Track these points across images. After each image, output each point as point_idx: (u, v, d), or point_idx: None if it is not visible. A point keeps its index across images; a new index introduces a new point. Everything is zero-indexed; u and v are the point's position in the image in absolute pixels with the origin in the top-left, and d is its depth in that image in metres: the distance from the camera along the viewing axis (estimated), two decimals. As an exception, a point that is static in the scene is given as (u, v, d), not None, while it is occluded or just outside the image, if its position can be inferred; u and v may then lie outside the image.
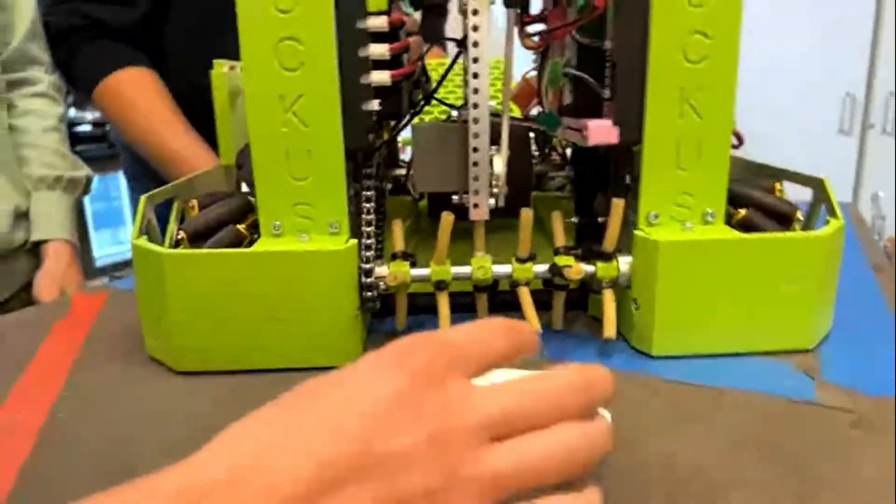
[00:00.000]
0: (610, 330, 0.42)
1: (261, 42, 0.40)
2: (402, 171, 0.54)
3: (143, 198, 0.45)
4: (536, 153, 0.57)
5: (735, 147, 0.56)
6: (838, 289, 0.45)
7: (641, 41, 0.41)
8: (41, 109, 0.80)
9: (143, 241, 0.42)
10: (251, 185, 0.53)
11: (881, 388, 0.38)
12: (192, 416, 0.38)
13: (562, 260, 0.44)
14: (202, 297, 0.40)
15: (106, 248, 2.91)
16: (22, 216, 0.76)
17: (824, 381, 0.39)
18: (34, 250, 0.77)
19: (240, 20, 0.40)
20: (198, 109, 0.85)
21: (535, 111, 0.58)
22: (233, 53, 0.59)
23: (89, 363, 0.45)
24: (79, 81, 0.86)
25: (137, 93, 0.82)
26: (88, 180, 0.83)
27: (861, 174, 2.38)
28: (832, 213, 0.44)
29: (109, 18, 0.80)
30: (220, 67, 0.58)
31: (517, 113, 0.58)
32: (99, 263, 3.05)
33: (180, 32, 0.85)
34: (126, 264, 2.50)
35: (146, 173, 0.87)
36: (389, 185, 0.53)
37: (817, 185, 0.46)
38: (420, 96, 0.52)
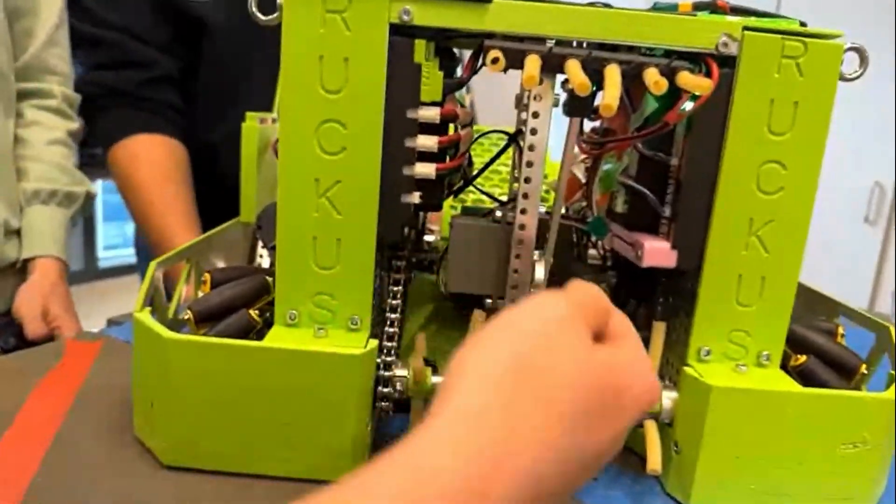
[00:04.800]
0: (655, 462, 0.38)
1: (303, 121, 0.36)
2: (428, 255, 0.51)
3: (152, 263, 0.42)
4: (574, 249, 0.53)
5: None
6: None
7: (713, 164, 0.37)
8: (48, 122, 0.77)
9: (147, 317, 0.39)
10: (269, 247, 0.49)
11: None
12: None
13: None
14: (202, 389, 0.37)
15: (112, 241, 2.88)
16: (13, 233, 0.72)
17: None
18: (24, 268, 0.74)
19: (282, 96, 0.37)
20: (205, 165, 0.83)
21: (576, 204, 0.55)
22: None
23: (72, 437, 0.41)
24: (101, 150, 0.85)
25: (132, 167, 0.79)
26: (89, 197, 0.79)
27: (883, 265, 2.34)
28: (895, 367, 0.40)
29: (115, 83, 0.78)
30: (252, 120, 0.56)
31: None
32: (102, 265, 3.03)
33: (203, 89, 0.83)
34: (131, 269, 2.48)
35: None
36: (413, 273, 0.49)
37: (883, 332, 0.43)
38: (459, 181, 0.48)
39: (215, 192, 0.75)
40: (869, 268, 2.34)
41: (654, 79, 0.33)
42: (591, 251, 0.54)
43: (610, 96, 0.32)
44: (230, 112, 0.65)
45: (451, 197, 0.52)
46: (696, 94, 0.35)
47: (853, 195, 2.33)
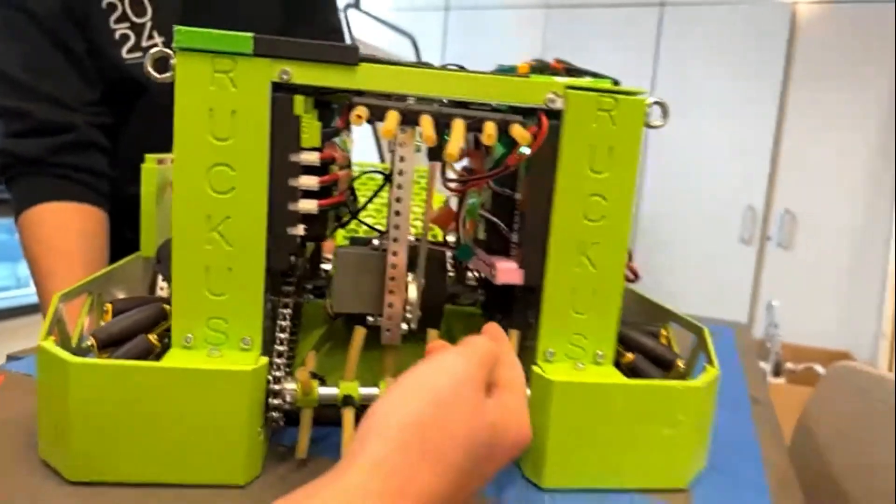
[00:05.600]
0: None
1: (195, 165, 0.42)
2: (323, 281, 0.56)
3: (56, 295, 0.45)
4: (452, 272, 0.60)
5: (631, 281, 0.61)
6: (718, 419, 0.49)
7: (547, 198, 0.45)
8: None
9: (51, 345, 0.42)
10: (168, 280, 0.53)
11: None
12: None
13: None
14: (105, 408, 0.40)
15: (2, 283, 2.73)
16: None
17: (691, 521, 0.43)
18: None
19: (176, 142, 0.41)
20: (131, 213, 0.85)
21: (452, 236, 0.62)
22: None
23: (-25, 463, 0.43)
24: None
25: (31, 236, 0.79)
26: None
27: (758, 283, 2.56)
28: (709, 361, 0.49)
29: (25, 151, 0.79)
30: (151, 162, 0.60)
31: (439, 236, 0.62)
32: (-8, 307, 2.85)
33: (136, 143, 0.85)
34: (23, 310, 2.36)
35: None
36: (310, 297, 0.55)
37: (699, 332, 0.51)
38: (346, 216, 0.54)
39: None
40: (747, 283, 2.56)
41: (489, 131, 0.41)
42: (470, 273, 0.61)
43: (453, 146, 0.39)
44: None
45: (342, 229, 0.57)
46: (527, 142, 0.43)
47: (728, 218, 2.56)
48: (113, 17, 0.80)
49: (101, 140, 0.83)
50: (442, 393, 0.32)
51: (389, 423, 0.30)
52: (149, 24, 0.81)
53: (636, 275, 0.61)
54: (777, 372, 2.15)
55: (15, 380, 0.56)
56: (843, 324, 2.41)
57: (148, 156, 0.60)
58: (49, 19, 0.77)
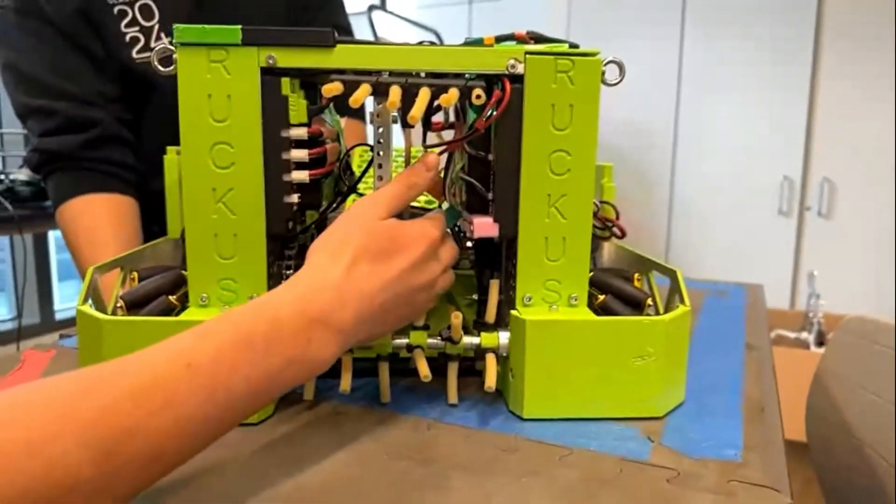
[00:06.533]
0: (490, 381, 0.49)
1: (199, 145, 0.48)
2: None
3: (90, 268, 0.52)
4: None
5: (619, 237, 0.65)
6: (706, 363, 0.52)
7: (516, 156, 0.50)
8: None
9: (87, 308, 0.49)
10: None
11: (703, 452, 0.45)
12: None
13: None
14: (134, 358, 0.47)
15: (69, 301, 2.91)
16: None
17: (661, 445, 0.47)
18: None
19: (182, 127, 0.48)
20: (157, 210, 0.93)
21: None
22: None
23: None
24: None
25: (70, 227, 0.87)
26: None
27: (799, 254, 2.52)
28: (682, 300, 0.53)
29: (59, 148, 0.87)
30: (172, 153, 0.66)
31: (435, 202, 0.67)
32: (59, 316, 3.04)
33: (153, 139, 0.92)
34: None
35: None
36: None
37: (672, 275, 0.55)
38: (344, 188, 0.60)
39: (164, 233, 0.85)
40: (788, 255, 2.53)
41: (449, 95, 0.45)
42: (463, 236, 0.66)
43: (416, 109, 0.44)
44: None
45: (342, 202, 0.63)
46: (493, 105, 0.47)
47: (766, 190, 2.52)
48: (124, 23, 0.88)
49: (125, 133, 0.91)
50: (350, 215, 0.46)
51: (321, 246, 0.44)
52: (156, 27, 0.89)
53: (623, 232, 0.65)
54: (820, 342, 2.12)
55: (64, 352, 0.64)
56: (885, 292, 2.35)
57: (169, 147, 0.66)
58: (67, 24, 0.86)
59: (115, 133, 0.89)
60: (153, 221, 0.93)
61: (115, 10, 0.87)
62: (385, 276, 0.43)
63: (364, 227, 0.44)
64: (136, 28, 0.88)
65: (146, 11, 0.88)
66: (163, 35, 0.89)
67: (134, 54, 0.89)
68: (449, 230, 0.52)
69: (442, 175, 0.63)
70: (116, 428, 0.30)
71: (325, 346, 0.39)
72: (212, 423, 0.34)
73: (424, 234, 0.46)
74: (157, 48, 0.48)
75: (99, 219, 0.86)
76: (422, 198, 0.71)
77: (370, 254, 0.43)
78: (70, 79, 0.87)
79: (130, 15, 0.88)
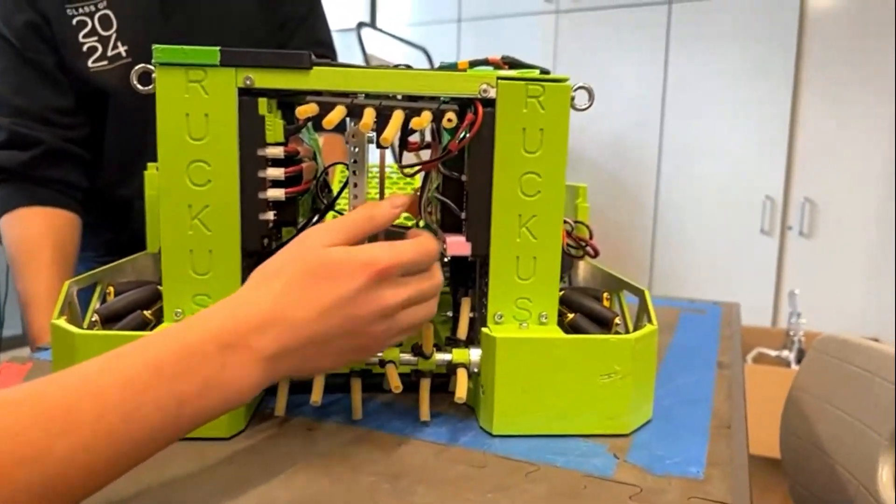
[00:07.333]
0: (461, 392, 0.49)
1: (176, 162, 0.49)
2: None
3: (67, 282, 0.52)
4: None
5: (593, 256, 0.66)
6: (677, 381, 0.53)
7: (488, 177, 0.51)
8: None
9: (62, 322, 0.49)
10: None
11: (667, 469, 0.46)
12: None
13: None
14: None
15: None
16: None
17: (626, 462, 0.47)
18: None
19: (160, 144, 0.48)
20: (121, 217, 0.94)
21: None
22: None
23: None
24: None
25: (7, 240, 0.89)
26: None
27: (781, 273, 2.55)
28: (649, 319, 0.54)
29: (4, 162, 0.89)
30: (152, 169, 0.67)
31: (412, 221, 0.68)
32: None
33: (112, 148, 0.93)
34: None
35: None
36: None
37: (640, 294, 0.56)
38: (321, 205, 0.61)
39: (132, 241, 0.85)
40: (770, 274, 2.56)
41: (422, 119, 0.46)
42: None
43: (388, 131, 0.45)
44: (138, 167, 0.75)
45: (321, 219, 0.64)
46: (466, 129, 0.48)
47: (748, 210, 2.56)
48: (82, 33, 0.89)
49: (75, 150, 0.92)
50: (292, 246, 0.44)
51: (261, 274, 0.43)
52: (114, 36, 0.90)
53: (596, 251, 0.66)
54: (800, 360, 2.14)
55: (41, 366, 0.64)
56: (867, 311, 2.38)
57: (150, 164, 0.67)
58: (17, 38, 0.87)
59: (61, 150, 0.90)
60: (110, 230, 0.94)
61: (74, 20, 0.89)
62: (317, 304, 0.40)
63: (303, 254, 0.42)
64: (95, 38, 0.90)
65: (105, 21, 0.90)
66: (119, 44, 0.90)
67: (90, 63, 0.90)
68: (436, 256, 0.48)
69: (418, 194, 0.65)
70: (15, 454, 0.30)
71: (243, 372, 0.38)
72: (122, 448, 0.33)
73: (372, 262, 0.42)
74: (136, 68, 0.49)
75: (35, 229, 0.88)
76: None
77: (304, 280, 0.41)
78: (20, 93, 0.88)
79: (90, 25, 0.89)
